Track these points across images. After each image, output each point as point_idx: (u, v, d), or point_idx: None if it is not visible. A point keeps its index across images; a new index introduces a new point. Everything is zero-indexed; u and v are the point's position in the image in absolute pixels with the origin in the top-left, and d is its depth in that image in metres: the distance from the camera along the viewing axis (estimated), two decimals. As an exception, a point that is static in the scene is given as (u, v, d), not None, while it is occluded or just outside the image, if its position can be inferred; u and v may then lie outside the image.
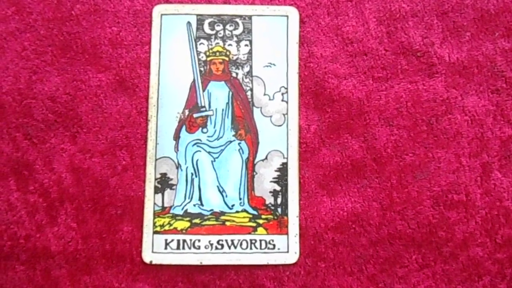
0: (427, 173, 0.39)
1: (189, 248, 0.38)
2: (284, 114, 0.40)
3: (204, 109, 0.40)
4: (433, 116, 0.40)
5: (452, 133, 0.40)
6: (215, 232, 0.38)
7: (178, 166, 0.39)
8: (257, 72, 0.40)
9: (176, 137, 0.39)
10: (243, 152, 0.39)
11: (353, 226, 0.39)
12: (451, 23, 0.41)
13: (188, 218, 0.38)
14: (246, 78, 0.40)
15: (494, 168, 0.40)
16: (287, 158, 0.39)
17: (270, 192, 0.39)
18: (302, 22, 0.41)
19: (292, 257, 0.38)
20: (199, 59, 0.40)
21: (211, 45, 0.40)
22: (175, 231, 0.38)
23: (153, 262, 0.38)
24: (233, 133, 0.40)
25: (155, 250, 0.38)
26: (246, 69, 0.40)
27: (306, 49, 0.41)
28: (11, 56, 0.40)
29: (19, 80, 0.40)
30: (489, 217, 0.39)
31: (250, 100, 0.40)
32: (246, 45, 0.40)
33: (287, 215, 0.39)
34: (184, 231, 0.38)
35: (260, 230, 0.38)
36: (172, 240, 0.38)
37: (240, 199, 0.39)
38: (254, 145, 0.39)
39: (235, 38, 0.40)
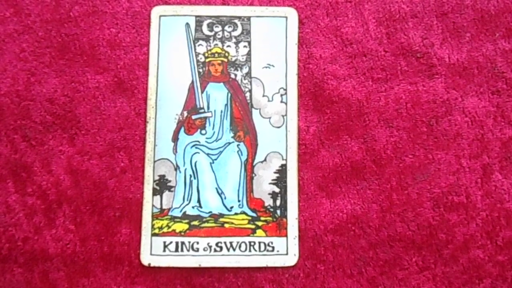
0: (427, 174, 0.39)
1: (188, 250, 0.38)
2: (283, 116, 0.40)
3: (202, 110, 0.40)
4: (433, 117, 0.40)
5: (452, 134, 0.40)
6: (214, 234, 0.38)
7: (176, 168, 0.39)
8: (256, 74, 0.40)
9: (175, 138, 0.39)
10: (242, 154, 0.39)
11: (353, 228, 0.39)
12: (451, 24, 0.41)
13: (186, 220, 0.38)
14: (245, 79, 0.40)
15: (494, 169, 0.39)
16: (286, 160, 0.39)
17: (269, 194, 0.39)
18: (301, 23, 0.41)
19: (291, 259, 0.38)
20: (197, 61, 0.40)
21: (210, 46, 0.40)
22: (174, 233, 0.38)
23: (152, 265, 0.38)
24: (232, 134, 0.39)
25: (154, 253, 0.38)
26: (245, 70, 0.40)
27: (305, 50, 0.40)
28: (9, 58, 0.40)
29: (17, 82, 0.40)
30: (489, 219, 0.39)
31: (249, 101, 0.40)
32: (245, 46, 0.40)
33: (286, 217, 0.38)
34: (182, 233, 0.38)
35: (259, 232, 0.38)
36: (171, 243, 0.38)
37: (239, 201, 0.39)
38: (253, 146, 0.39)
39: (233, 39, 0.40)
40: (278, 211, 0.39)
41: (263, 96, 0.40)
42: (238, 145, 0.39)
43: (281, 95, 0.40)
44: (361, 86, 0.40)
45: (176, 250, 0.38)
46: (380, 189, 0.39)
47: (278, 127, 0.39)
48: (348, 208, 0.39)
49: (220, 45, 0.40)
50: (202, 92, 0.40)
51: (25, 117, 0.39)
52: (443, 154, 0.39)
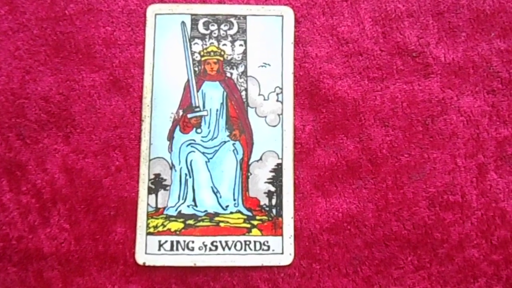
0: (423, 174, 0.39)
1: (183, 249, 0.38)
2: (279, 115, 0.39)
3: (198, 109, 0.39)
4: (429, 116, 0.40)
5: (448, 133, 0.40)
6: (209, 233, 0.38)
7: (172, 167, 0.39)
8: (252, 72, 0.40)
9: (170, 137, 0.39)
10: (237, 153, 0.39)
11: (348, 227, 0.39)
12: (447, 23, 0.41)
13: (182, 219, 0.38)
14: (240, 78, 0.40)
15: (490, 169, 0.39)
16: (282, 159, 0.39)
17: (265, 193, 0.39)
18: (297, 22, 0.41)
19: (286, 258, 0.38)
20: (193, 59, 0.40)
21: (206, 45, 0.40)
22: (169, 232, 0.38)
23: (147, 264, 0.38)
24: (228, 133, 0.39)
25: (149, 252, 0.38)
26: (241, 69, 0.40)
27: (301, 49, 0.40)
28: (4, 56, 0.40)
29: (12, 80, 0.39)
30: (484, 218, 0.39)
31: (244, 100, 0.40)
32: (240, 45, 0.40)
33: (281, 216, 0.38)
34: (177, 232, 0.38)
35: (255, 231, 0.38)
36: (166, 242, 0.38)
37: (234, 200, 0.39)
38: (248, 145, 0.39)
39: (229, 38, 0.40)
40: (274, 210, 0.38)
41: (259, 95, 0.40)
42: (233, 144, 0.39)
43: (277, 94, 0.40)
44: (357, 85, 0.40)
45: (171, 249, 0.38)
46: (375, 188, 0.39)
47: (274, 126, 0.39)
48: (343, 207, 0.39)
49: (216, 43, 0.40)
50: (197, 91, 0.40)
51: (20, 116, 0.39)
52: (439, 153, 0.39)
